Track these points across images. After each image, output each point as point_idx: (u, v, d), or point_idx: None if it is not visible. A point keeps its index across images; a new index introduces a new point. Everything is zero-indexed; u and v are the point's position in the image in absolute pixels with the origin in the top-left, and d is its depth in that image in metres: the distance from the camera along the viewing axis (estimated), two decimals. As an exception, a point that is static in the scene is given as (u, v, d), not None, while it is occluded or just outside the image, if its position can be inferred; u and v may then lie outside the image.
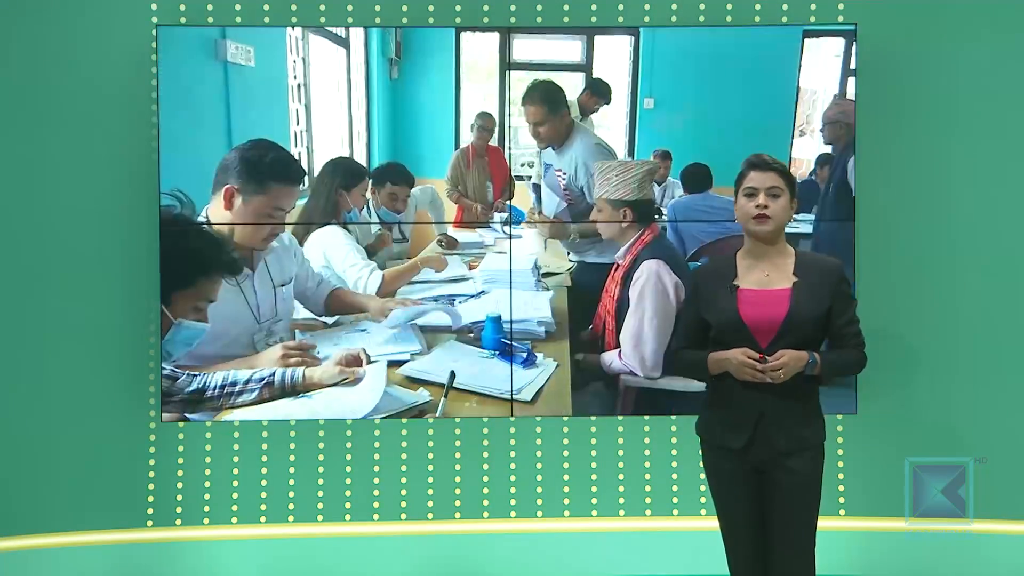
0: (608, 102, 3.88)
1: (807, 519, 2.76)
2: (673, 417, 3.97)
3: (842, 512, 3.98)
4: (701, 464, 2.93)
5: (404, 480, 3.99)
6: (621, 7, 3.96)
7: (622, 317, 3.78)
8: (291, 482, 3.96)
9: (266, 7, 3.90)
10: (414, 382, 3.62)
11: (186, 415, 3.57)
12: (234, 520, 3.94)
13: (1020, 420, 3.96)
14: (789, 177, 2.78)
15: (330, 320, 3.83)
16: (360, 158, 3.86)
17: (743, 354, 2.70)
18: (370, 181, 3.83)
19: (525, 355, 3.74)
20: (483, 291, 3.89)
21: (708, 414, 2.87)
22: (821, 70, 3.88)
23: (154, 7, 3.87)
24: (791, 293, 2.73)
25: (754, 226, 2.76)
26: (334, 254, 3.81)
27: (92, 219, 3.87)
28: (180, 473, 3.93)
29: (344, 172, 3.80)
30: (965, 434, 3.95)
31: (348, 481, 3.98)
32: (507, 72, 3.85)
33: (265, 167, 3.57)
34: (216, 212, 3.60)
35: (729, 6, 3.96)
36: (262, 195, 3.56)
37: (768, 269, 2.78)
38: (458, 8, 3.93)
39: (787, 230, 2.85)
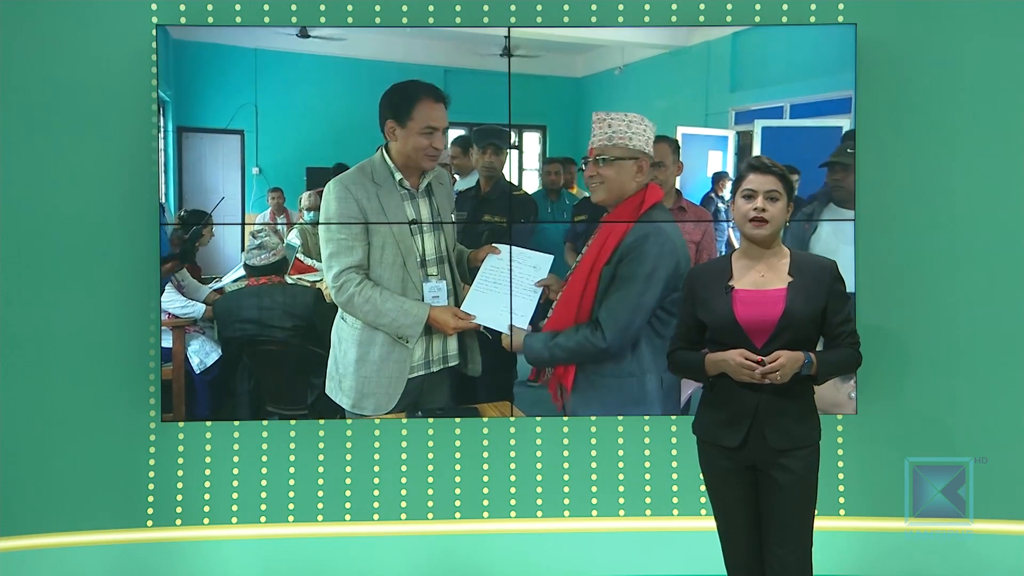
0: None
1: (803, 517, 2.76)
2: (673, 417, 3.97)
3: (842, 512, 3.98)
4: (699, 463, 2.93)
5: (404, 480, 3.99)
6: (621, 7, 3.95)
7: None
8: (291, 482, 3.96)
9: (266, 7, 3.91)
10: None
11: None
12: (234, 520, 3.94)
13: (1020, 420, 3.95)
14: (787, 181, 2.80)
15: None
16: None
17: (741, 356, 2.71)
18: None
19: None
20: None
21: (704, 413, 2.88)
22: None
23: (154, 7, 3.87)
24: (786, 293, 2.75)
25: (751, 229, 2.77)
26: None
27: (92, 219, 3.87)
28: (180, 473, 3.93)
29: None
30: (965, 434, 3.95)
31: (348, 481, 3.98)
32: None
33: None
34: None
35: (729, 6, 3.96)
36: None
37: (763, 270, 2.79)
38: (458, 8, 3.93)
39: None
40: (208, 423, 3.91)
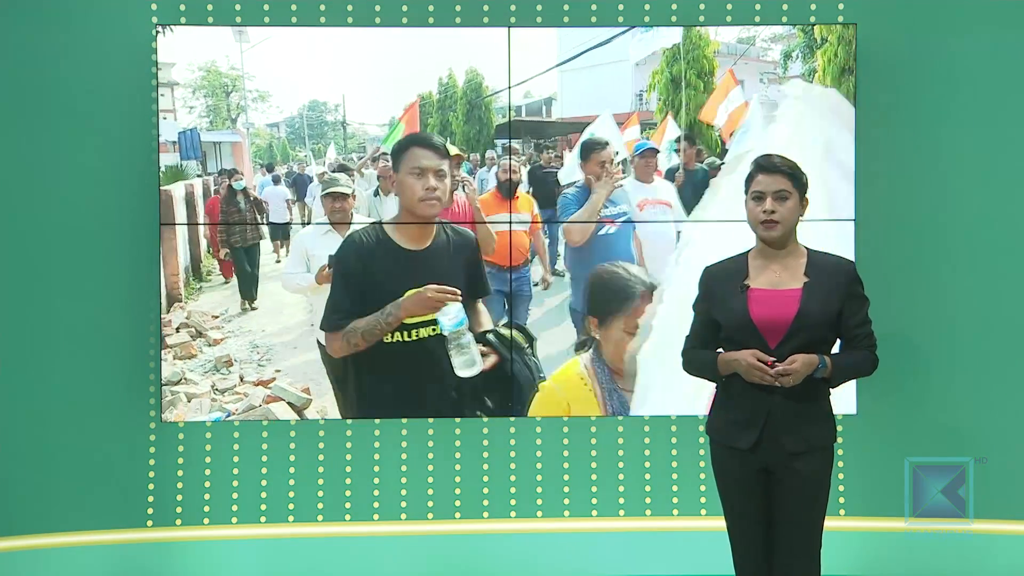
0: None
1: (814, 520, 2.75)
2: (673, 417, 3.97)
3: (842, 512, 3.98)
4: (707, 463, 2.93)
5: (404, 480, 3.99)
6: (621, 7, 3.95)
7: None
8: (291, 482, 3.96)
9: (266, 7, 3.90)
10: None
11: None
12: (234, 520, 3.94)
13: (1020, 420, 3.95)
14: (798, 178, 2.75)
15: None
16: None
17: (753, 356, 2.68)
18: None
19: None
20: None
21: (718, 414, 2.85)
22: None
23: (154, 7, 3.87)
24: (801, 294, 2.71)
25: (762, 231, 2.74)
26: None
27: (92, 219, 3.87)
28: (180, 473, 3.93)
29: None
30: (965, 434, 3.94)
31: (348, 481, 3.98)
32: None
33: None
34: None
35: (729, 6, 3.96)
36: None
37: (779, 269, 2.76)
38: (458, 8, 3.93)
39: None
40: (208, 423, 3.91)
